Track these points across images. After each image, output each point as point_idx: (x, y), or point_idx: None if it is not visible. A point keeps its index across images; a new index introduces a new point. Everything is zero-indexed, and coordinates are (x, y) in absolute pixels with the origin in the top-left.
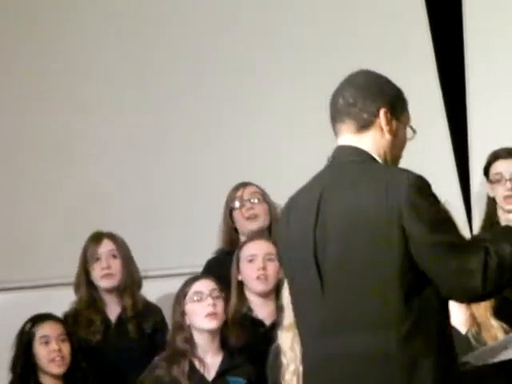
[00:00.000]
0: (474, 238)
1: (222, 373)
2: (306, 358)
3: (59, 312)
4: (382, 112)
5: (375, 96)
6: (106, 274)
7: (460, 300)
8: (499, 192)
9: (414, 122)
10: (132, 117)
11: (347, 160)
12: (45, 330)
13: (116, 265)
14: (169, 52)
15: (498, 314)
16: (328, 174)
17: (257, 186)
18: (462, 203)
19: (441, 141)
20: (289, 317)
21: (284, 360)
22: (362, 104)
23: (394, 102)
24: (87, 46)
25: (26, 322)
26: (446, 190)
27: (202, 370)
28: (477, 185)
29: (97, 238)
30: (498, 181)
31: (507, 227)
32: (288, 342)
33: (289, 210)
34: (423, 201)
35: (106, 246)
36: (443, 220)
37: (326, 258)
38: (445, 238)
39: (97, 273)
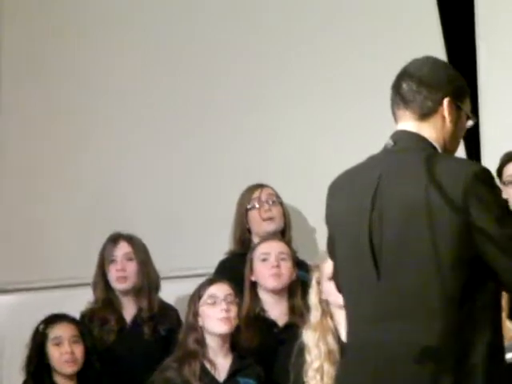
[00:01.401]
0: None
1: (233, 374)
2: (354, 344)
3: (75, 312)
4: (446, 101)
5: (440, 84)
6: (120, 276)
7: None
8: None
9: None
10: (148, 118)
11: (408, 146)
12: (57, 331)
13: (131, 267)
14: (183, 52)
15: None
16: (388, 159)
17: (272, 188)
18: None
19: None
20: (316, 316)
21: (308, 357)
22: (428, 91)
23: (458, 91)
24: (97, 47)
25: (40, 323)
26: None
27: (212, 372)
28: None
29: (114, 239)
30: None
31: None
32: (314, 340)
33: (342, 186)
34: (490, 193)
35: (122, 249)
36: (508, 214)
37: (383, 245)
38: (510, 231)
39: (112, 274)
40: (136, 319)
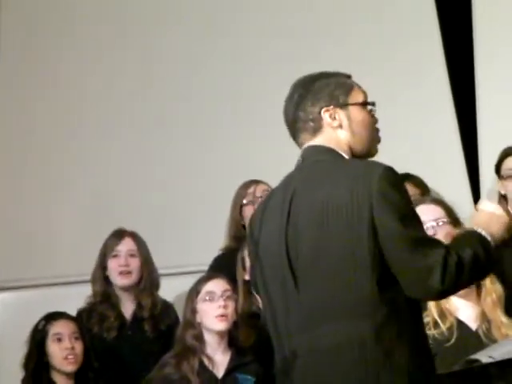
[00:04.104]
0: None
1: (231, 370)
2: (282, 356)
3: (72, 310)
4: (322, 112)
5: (313, 101)
6: (123, 271)
7: (418, 296)
8: (511, 188)
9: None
10: (144, 117)
11: (315, 159)
12: (58, 327)
13: (134, 263)
14: (176, 52)
15: (509, 311)
16: (298, 175)
17: (267, 184)
18: (471, 201)
19: (450, 138)
20: None
21: None
22: (304, 115)
23: (332, 95)
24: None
25: (40, 320)
26: (456, 189)
27: (211, 368)
28: (487, 183)
29: (119, 234)
30: (511, 177)
31: (472, 231)
32: None
33: (262, 214)
34: (394, 193)
35: (127, 245)
36: (412, 214)
37: (298, 256)
38: (412, 232)
39: (114, 269)
40: (136, 315)
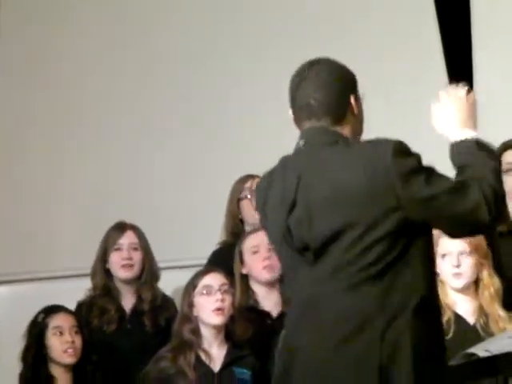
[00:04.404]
0: (457, 172)
1: (228, 364)
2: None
3: (69, 304)
4: (352, 99)
5: (343, 88)
6: (126, 264)
7: (472, 233)
8: (510, 182)
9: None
10: (144, 118)
11: (321, 142)
12: (58, 320)
13: (137, 257)
14: (176, 51)
15: (507, 304)
16: (302, 159)
17: None
18: None
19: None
20: None
21: None
22: (336, 100)
23: (354, 84)
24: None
25: (39, 313)
26: None
27: (207, 362)
28: None
29: (121, 227)
30: (510, 170)
31: (469, 145)
32: None
33: (264, 202)
34: (411, 161)
35: (129, 238)
36: (432, 170)
37: (311, 240)
38: (443, 185)
39: (116, 262)
40: (136, 309)
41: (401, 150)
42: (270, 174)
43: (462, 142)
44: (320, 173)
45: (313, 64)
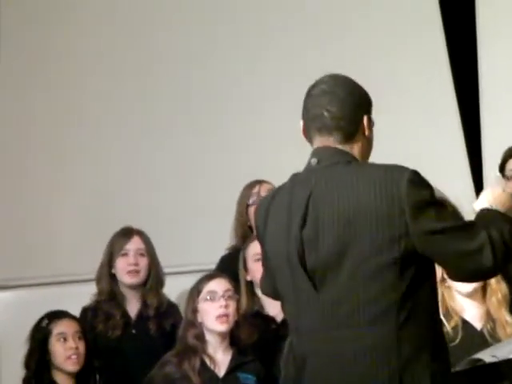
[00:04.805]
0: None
1: (233, 369)
2: (302, 355)
3: (73, 309)
4: (365, 119)
5: (359, 105)
6: (132, 269)
7: (473, 278)
8: None
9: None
10: (144, 118)
11: (334, 161)
12: (62, 326)
13: (143, 262)
14: (175, 51)
15: None
16: (315, 176)
17: (271, 184)
18: (475, 201)
19: (454, 138)
20: None
21: None
22: (349, 116)
23: (369, 106)
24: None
25: (42, 318)
26: (460, 189)
27: (212, 367)
28: (491, 182)
29: (127, 233)
30: None
31: (491, 210)
32: None
33: (267, 213)
34: (425, 194)
35: (136, 243)
36: (444, 207)
37: (318, 257)
38: (452, 223)
39: (122, 268)
40: (141, 314)
41: (417, 180)
42: (278, 189)
43: (487, 208)
44: (332, 191)
45: (331, 78)
